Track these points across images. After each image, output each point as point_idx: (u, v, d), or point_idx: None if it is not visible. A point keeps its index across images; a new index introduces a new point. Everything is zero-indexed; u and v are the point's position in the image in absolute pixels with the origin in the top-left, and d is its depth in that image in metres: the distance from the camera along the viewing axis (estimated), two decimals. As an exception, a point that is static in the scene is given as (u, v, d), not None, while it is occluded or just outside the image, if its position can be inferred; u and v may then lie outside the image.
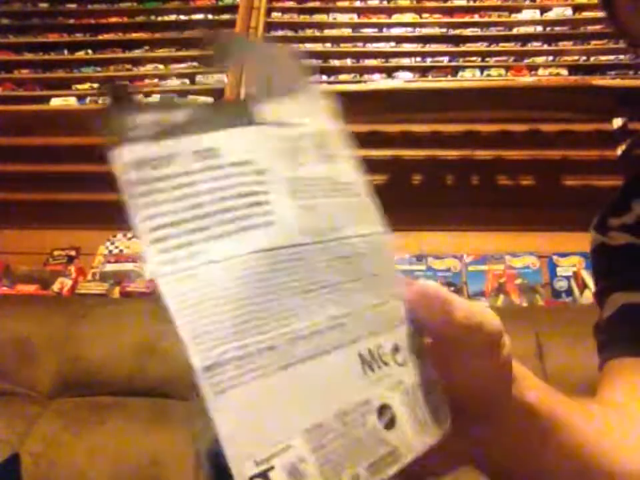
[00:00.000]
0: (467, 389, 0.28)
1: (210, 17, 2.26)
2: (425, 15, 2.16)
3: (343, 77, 2.10)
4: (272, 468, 0.20)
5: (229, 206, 0.22)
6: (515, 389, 0.30)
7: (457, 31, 2.11)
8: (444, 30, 2.13)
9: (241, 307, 0.21)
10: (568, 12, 2.08)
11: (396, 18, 2.17)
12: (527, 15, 2.11)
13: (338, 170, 0.26)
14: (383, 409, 0.23)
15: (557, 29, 2.08)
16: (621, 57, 1.93)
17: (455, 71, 2.04)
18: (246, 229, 0.22)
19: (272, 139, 0.24)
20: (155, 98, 2.06)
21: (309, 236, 0.24)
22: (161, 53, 2.22)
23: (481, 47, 2.09)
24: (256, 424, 0.20)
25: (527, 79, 1.97)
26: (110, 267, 1.90)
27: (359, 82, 2.07)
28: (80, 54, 2.24)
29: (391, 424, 0.23)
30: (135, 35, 2.26)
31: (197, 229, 0.21)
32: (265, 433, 0.20)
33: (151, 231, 0.21)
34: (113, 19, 2.30)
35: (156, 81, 2.15)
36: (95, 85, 2.15)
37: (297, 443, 0.21)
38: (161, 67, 2.19)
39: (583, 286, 1.65)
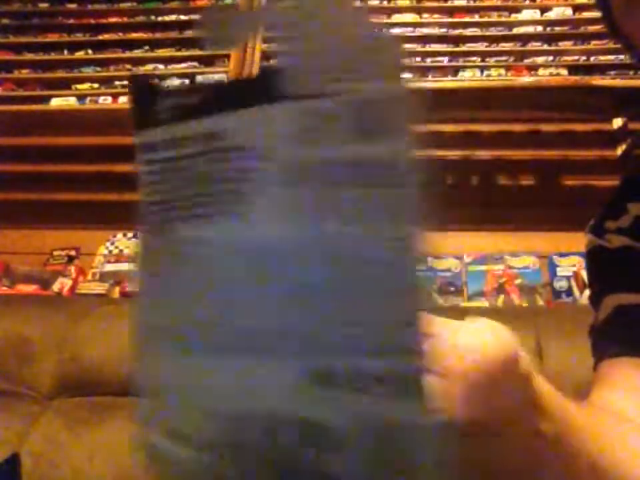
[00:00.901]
0: (488, 413, 0.27)
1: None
2: (425, 15, 2.16)
3: (342, 77, 2.10)
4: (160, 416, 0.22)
5: (216, 190, 0.22)
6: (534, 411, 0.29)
7: (457, 31, 2.11)
8: (444, 30, 2.12)
9: (191, 289, 0.23)
10: (568, 12, 2.08)
11: (396, 18, 2.17)
12: (526, 14, 2.11)
13: (379, 152, 0.21)
14: (321, 430, 0.21)
15: (557, 28, 2.08)
16: (621, 57, 1.93)
17: (455, 71, 2.04)
18: (222, 215, 0.22)
19: (288, 117, 0.21)
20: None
21: (293, 230, 0.21)
22: (161, 52, 2.22)
23: (481, 47, 2.09)
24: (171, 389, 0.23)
25: (526, 79, 1.97)
26: (110, 267, 1.90)
27: (359, 82, 2.07)
28: (80, 54, 2.24)
29: (326, 447, 0.21)
30: (134, 35, 2.26)
31: (182, 208, 0.23)
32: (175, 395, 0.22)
33: (147, 206, 0.23)
34: (113, 19, 2.30)
35: (156, 81, 2.14)
36: (95, 85, 2.15)
37: (200, 418, 0.22)
38: (161, 66, 2.19)
39: (583, 286, 1.65)
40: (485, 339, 0.25)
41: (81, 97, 2.10)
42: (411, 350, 0.21)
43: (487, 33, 2.10)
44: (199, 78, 2.11)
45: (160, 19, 2.29)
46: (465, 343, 0.25)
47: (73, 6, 2.33)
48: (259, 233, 0.21)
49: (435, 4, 2.15)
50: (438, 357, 0.24)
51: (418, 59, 2.10)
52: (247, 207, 0.21)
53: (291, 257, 0.21)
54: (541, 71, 2.01)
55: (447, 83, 1.98)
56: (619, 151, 1.89)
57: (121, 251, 1.98)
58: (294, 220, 0.21)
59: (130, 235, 2.02)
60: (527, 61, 2.04)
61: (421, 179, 0.21)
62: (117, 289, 1.83)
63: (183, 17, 2.28)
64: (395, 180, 0.21)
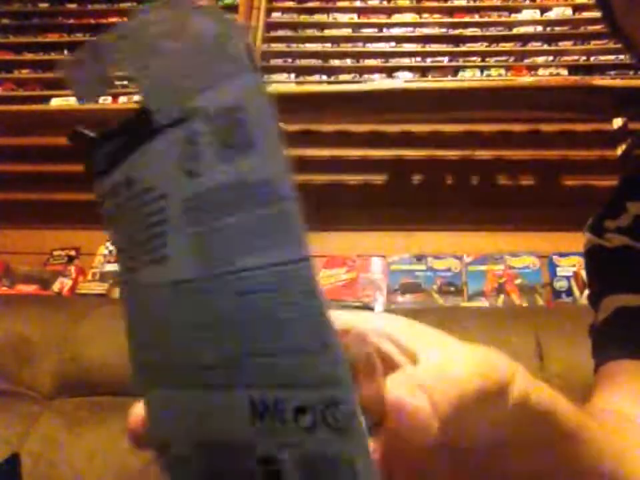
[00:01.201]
0: (478, 439, 0.26)
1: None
2: (425, 15, 2.16)
3: (343, 76, 2.10)
4: None
5: (141, 239, 0.22)
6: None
7: (457, 31, 2.11)
8: (444, 30, 2.12)
9: (138, 333, 0.24)
10: (568, 12, 2.08)
11: (396, 18, 2.17)
12: (527, 14, 2.11)
13: (247, 167, 0.19)
14: (267, 460, 0.21)
15: (557, 28, 2.08)
16: (621, 57, 1.93)
17: (455, 71, 2.04)
18: (151, 263, 0.22)
19: (165, 149, 0.20)
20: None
21: (204, 269, 0.20)
22: (161, 53, 2.21)
23: (481, 46, 2.09)
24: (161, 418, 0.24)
25: (527, 79, 1.97)
26: (110, 267, 1.90)
27: (359, 82, 2.07)
28: (80, 54, 2.24)
29: (272, 476, 0.20)
30: (134, 35, 2.26)
31: (125, 260, 0.24)
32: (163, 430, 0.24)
33: (114, 254, 0.25)
34: (113, 19, 2.30)
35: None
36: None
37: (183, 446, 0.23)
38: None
39: (583, 286, 1.65)
40: (467, 371, 0.24)
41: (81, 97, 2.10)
42: (326, 379, 0.19)
43: (487, 33, 2.10)
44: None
45: (160, 19, 2.29)
46: (445, 372, 0.23)
47: (73, 6, 2.33)
48: (175, 275, 0.21)
49: (435, 4, 2.15)
50: (418, 382, 0.23)
51: (418, 58, 2.10)
52: (163, 249, 0.21)
53: (203, 294, 0.21)
54: (540, 71, 2.01)
55: (447, 83, 1.98)
56: (619, 151, 1.89)
57: (121, 250, 1.98)
58: (198, 258, 0.21)
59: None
60: (527, 61, 2.04)
61: (296, 189, 0.19)
62: (117, 289, 1.83)
63: (182, 17, 2.28)
64: (273, 196, 0.19)
